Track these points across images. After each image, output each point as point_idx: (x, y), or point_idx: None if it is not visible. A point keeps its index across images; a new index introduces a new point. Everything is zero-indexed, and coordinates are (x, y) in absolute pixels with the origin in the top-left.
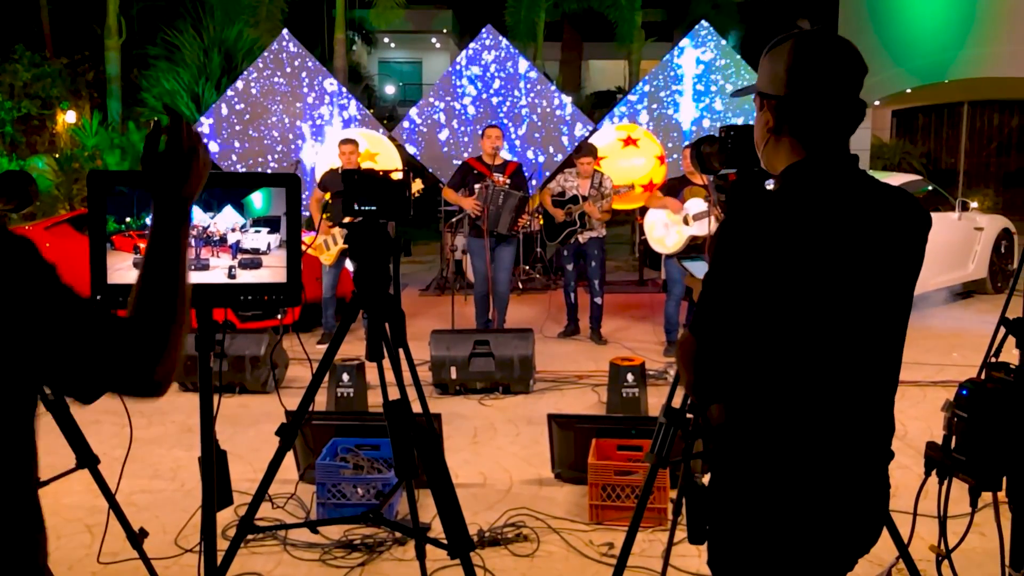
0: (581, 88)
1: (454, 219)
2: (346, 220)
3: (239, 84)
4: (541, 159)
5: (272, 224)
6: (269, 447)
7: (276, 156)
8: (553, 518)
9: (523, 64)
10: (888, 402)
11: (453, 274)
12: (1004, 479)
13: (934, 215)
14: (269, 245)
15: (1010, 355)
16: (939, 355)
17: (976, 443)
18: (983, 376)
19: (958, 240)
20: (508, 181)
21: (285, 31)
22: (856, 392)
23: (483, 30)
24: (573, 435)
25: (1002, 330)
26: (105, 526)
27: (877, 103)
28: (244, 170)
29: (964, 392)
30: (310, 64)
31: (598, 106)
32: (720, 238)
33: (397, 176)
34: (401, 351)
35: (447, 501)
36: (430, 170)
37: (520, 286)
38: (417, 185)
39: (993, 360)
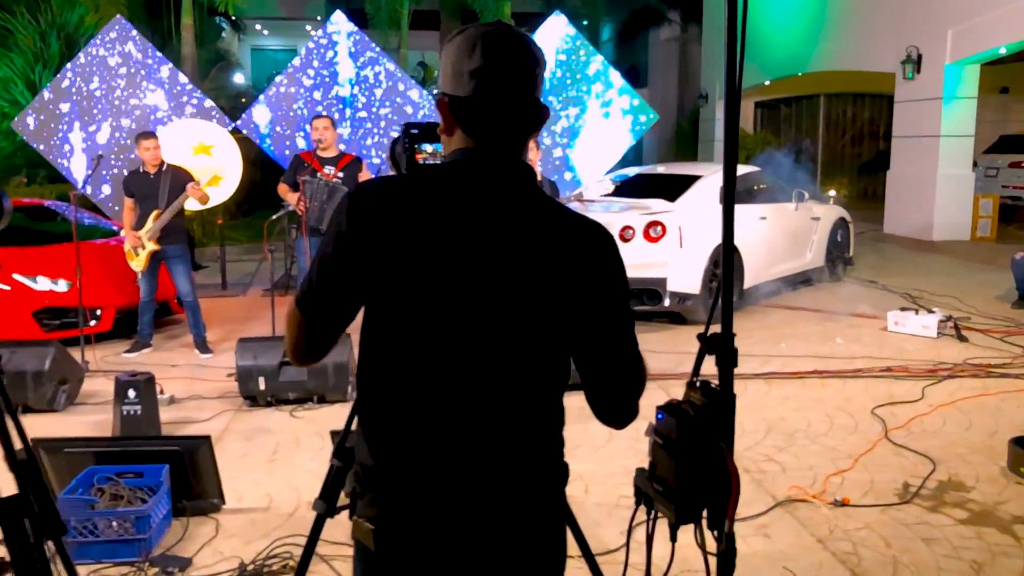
0: None
1: (273, 216)
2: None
3: (66, 76)
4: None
5: None
6: None
7: (113, 153)
8: (329, 544)
9: (375, 53)
10: (523, 419)
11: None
12: (704, 511)
13: (772, 206)
14: None
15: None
16: (768, 346)
17: (671, 471)
18: (684, 396)
19: (795, 230)
20: (340, 175)
21: (118, 16)
22: (455, 396)
23: (330, 17)
24: None
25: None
26: None
27: None
28: (79, 167)
29: (660, 416)
30: (149, 52)
31: None
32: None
33: None
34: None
35: None
36: (279, 163)
37: None
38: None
39: (696, 380)
